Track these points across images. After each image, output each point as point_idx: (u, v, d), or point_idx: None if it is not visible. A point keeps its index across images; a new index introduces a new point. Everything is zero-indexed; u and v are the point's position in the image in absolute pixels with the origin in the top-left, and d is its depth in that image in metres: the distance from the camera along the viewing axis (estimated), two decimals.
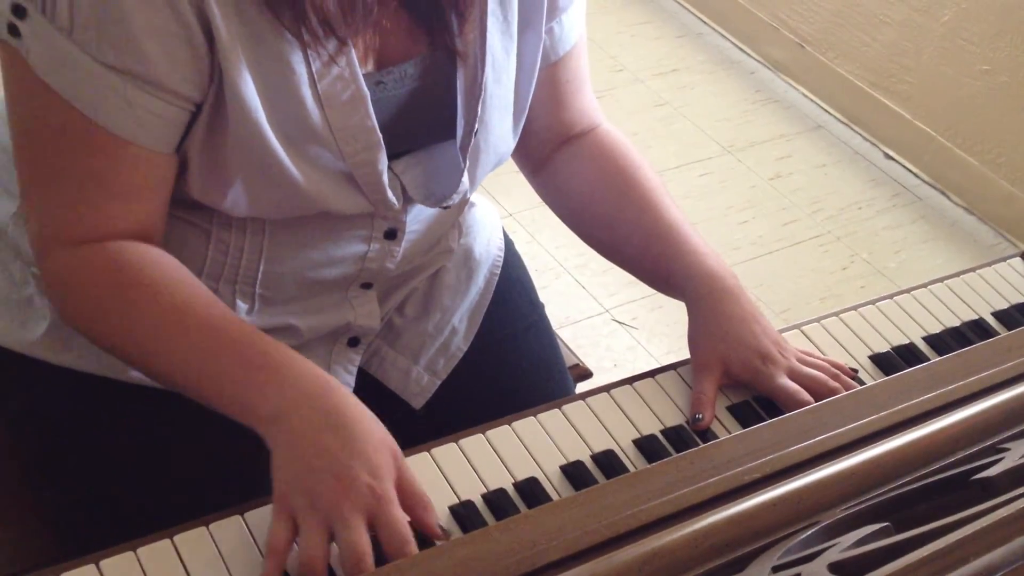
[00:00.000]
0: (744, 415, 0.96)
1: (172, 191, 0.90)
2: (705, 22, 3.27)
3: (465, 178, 0.95)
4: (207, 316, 0.86)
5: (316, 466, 0.77)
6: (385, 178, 0.91)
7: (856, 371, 1.01)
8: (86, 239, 0.86)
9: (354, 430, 0.80)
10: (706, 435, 0.94)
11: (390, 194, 0.93)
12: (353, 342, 1.05)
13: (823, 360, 1.00)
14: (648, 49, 3.13)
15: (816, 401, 0.93)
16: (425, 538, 0.79)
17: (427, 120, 0.95)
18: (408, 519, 0.78)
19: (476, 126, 0.93)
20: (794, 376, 0.96)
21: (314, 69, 0.85)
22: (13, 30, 0.80)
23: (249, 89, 0.83)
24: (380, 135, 0.89)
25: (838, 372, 0.98)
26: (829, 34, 2.98)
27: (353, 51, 0.86)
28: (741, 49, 3.20)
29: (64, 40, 0.79)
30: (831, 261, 2.53)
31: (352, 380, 1.05)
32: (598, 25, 3.13)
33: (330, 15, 0.82)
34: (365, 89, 0.87)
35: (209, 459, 0.95)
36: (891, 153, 2.89)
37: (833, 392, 0.95)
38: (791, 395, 0.94)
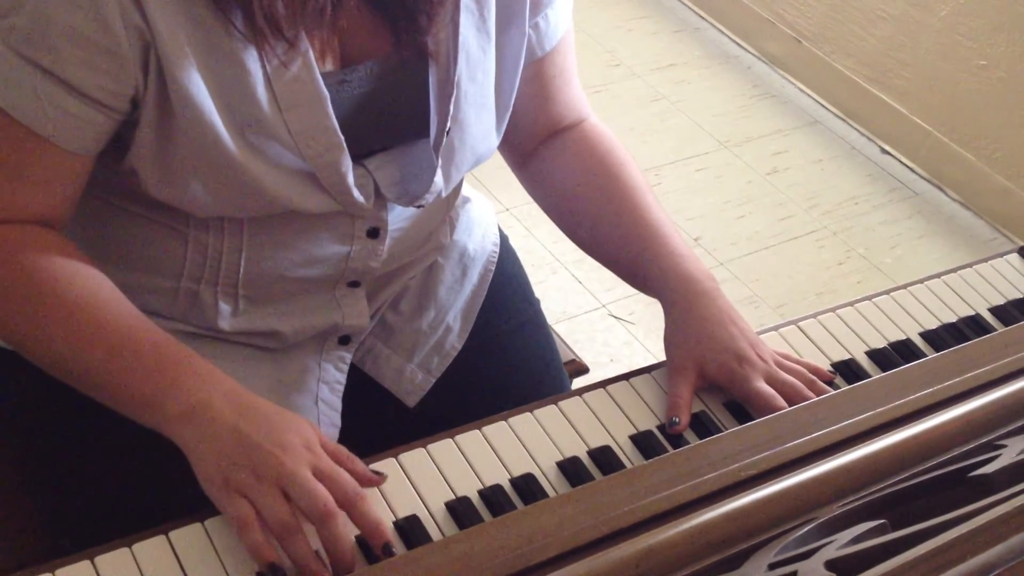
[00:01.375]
0: (740, 411, 0.96)
1: (139, 191, 0.88)
2: (702, 17, 3.26)
3: (438, 177, 0.93)
4: (112, 313, 0.85)
5: (251, 443, 0.79)
6: (350, 178, 0.89)
7: (834, 374, 1.00)
8: None
9: (270, 412, 0.82)
10: (703, 432, 0.94)
11: (356, 193, 0.91)
12: (344, 340, 1.04)
13: (800, 365, 0.98)
14: (645, 44, 3.12)
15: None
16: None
17: (398, 118, 0.93)
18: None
19: (449, 124, 0.92)
20: (771, 381, 0.94)
21: (269, 70, 0.83)
22: None
23: (201, 93, 0.82)
24: (341, 136, 0.87)
25: (814, 379, 0.96)
26: (826, 29, 2.98)
27: (311, 51, 0.84)
28: (738, 44, 3.19)
29: None
30: (827, 256, 2.53)
31: (343, 378, 1.04)
32: (595, 20, 3.12)
33: (277, 15, 0.80)
34: (323, 90, 0.85)
35: None
36: (887, 148, 2.89)
37: (808, 400, 0.93)
38: (766, 401, 0.93)
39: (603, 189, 1.06)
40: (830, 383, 0.98)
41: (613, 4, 3.24)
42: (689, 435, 0.93)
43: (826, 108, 3.00)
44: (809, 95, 3.04)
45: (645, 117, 2.84)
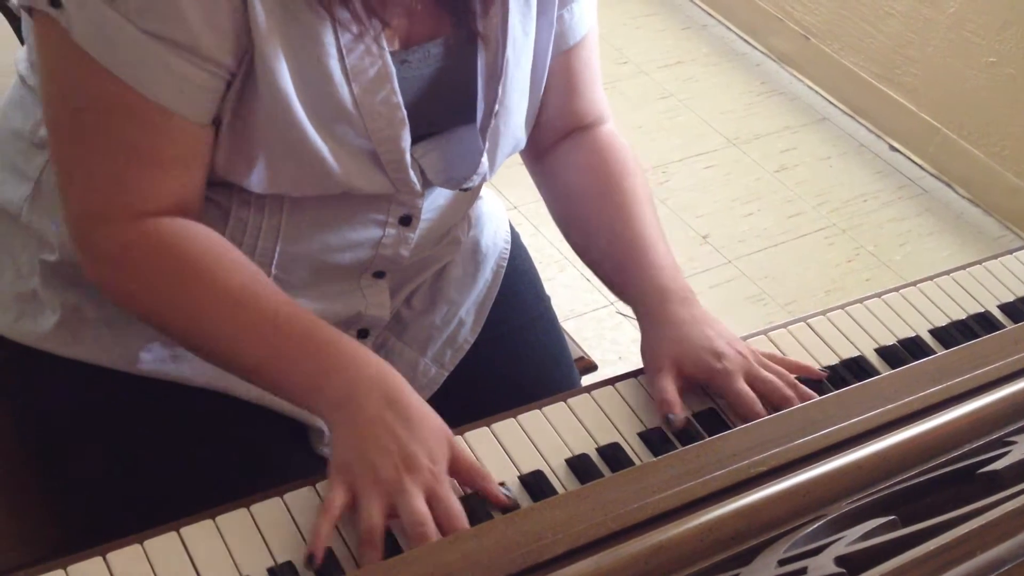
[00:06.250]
0: None
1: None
2: (710, 14, 3.26)
3: (484, 159, 0.95)
4: (270, 300, 0.87)
5: (382, 445, 0.81)
6: (408, 157, 0.92)
7: (826, 373, 0.99)
8: (133, 214, 0.86)
9: (414, 415, 0.83)
10: (712, 428, 0.93)
11: (412, 174, 0.93)
12: (363, 334, 1.05)
13: (784, 366, 0.97)
14: (653, 41, 3.12)
15: (770, 409, 0.91)
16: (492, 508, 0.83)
17: (449, 101, 0.95)
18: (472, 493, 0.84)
19: (496, 107, 0.94)
20: (750, 378, 0.93)
21: (342, 44, 0.85)
22: (54, 0, 0.80)
23: (280, 62, 0.84)
24: (404, 112, 0.89)
25: (796, 383, 0.94)
26: (834, 26, 2.98)
27: (380, 26, 0.86)
28: (746, 41, 3.19)
29: (106, 8, 0.79)
30: (836, 254, 2.52)
31: None
32: (603, 17, 3.10)
33: (374, 1, 0.84)
34: (392, 66, 0.88)
35: (217, 452, 0.95)
36: (896, 145, 2.89)
37: (788, 401, 0.92)
38: (746, 403, 0.91)
39: (602, 194, 1.06)
40: (820, 382, 0.97)
41: (621, 1, 3.23)
42: (698, 432, 0.93)
43: (834, 105, 3.00)
44: (817, 92, 3.03)
45: (653, 114, 2.83)
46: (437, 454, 0.82)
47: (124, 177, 0.86)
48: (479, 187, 1.07)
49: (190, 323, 0.88)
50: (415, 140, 0.93)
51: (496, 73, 0.93)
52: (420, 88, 0.93)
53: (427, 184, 0.96)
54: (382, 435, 0.81)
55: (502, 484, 0.84)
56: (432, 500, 0.80)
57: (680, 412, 0.92)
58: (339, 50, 0.85)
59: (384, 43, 0.87)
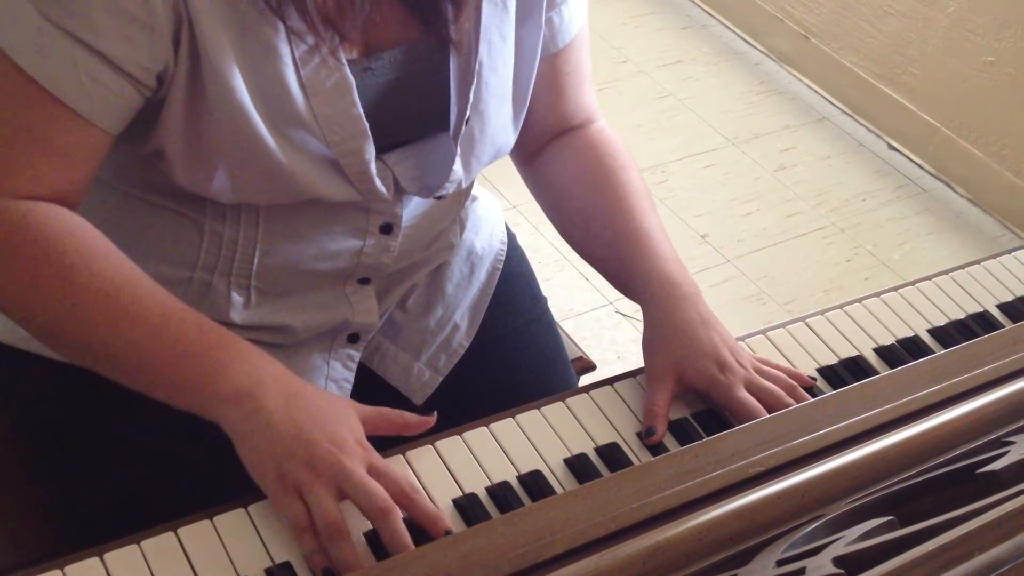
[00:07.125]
0: None
1: (156, 181, 0.89)
2: (709, 13, 3.26)
3: (458, 166, 0.93)
4: (155, 294, 0.84)
5: (304, 436, 0.79)
6: (373, 167, 0.90)
7: (815, 380, 0.99)
8: (8, 193, 0.83)
9: (318, 400, 0.82)
10: (710, 429, 0.93)
11: (378, 183, 0.91)
12: (353, 338, 1.04)
13: (779, 371, 0.97)
14: (652, 40, 3.12)
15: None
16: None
17: (420, 108, 0.94)
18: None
19: (468, 113, 0.92)
20: (751, 388, 0.93)
21: (297, 56, 0.84)
22: None
23: (234, 75, 0.82)
24: (366, 124, 0.88)
25: (795, 385, 0.95)
26: (833, 25, 2.97)
27: (337, 39, 0.85)
28: (745, 40, 3.19)
29: None
30: (835, 253, 2.52)
31: (352, 376, 1.05)
32: (602, 16, 3.12)
33: (331, 12, 0.82)
34: (350, 77, 0.86)
35: (212, 452, 0.95)
36: (895, 144, 2.89)
37: (788, 407, 0.91)
38: (749, 411, 0.91)
39: (599, 189, 1.05)
40: (810, 389, 0.97)
41: (619, 0, 3.23)
42: (697, 432, 0.93)
43: (834, 104, 3.00)
44: (817, 91, 3.03)
45: (652, 114, 2.83)
46: (356, 428, 0.82)
47: (6, 156, 0.83)
48: (467, 192, 1.06)
49: (58, 311, 0.82)
50: (390, 147, 0.92)
51: (468, 78, 0.91)
52: (386, 95, 0.91)
53: (401, 191, 0.95)
54: (302, 427, 0.79)
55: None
56: (373, 473, 0.79)
57: (660, 432, 0.92)
58: (295, 62, 0.83)
59: (341, 55, 0.85)
